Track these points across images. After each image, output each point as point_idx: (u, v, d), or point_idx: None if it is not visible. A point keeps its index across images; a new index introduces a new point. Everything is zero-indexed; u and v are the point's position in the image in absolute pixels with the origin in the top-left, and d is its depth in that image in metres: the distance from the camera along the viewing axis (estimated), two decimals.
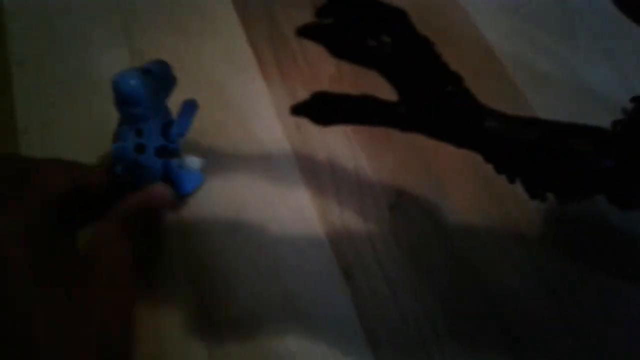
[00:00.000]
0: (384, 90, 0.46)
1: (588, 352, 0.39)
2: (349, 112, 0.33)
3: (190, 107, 0.41)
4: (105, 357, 0.31)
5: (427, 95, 0.31)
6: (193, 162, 0.43)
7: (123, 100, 0.37)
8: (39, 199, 0.31)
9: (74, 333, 0.30)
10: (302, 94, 0.50)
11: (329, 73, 0.51)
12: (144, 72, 0.37)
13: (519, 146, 0.30)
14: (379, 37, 0.30)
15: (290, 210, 0.44)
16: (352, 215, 0.44)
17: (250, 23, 0.54)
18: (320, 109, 0.33)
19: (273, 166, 0.46)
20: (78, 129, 0.47)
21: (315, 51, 0.52)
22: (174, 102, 0.41)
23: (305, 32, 0.31)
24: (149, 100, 0.37)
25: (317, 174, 0.46)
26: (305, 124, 0.48)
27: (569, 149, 0.30)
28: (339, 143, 0.47)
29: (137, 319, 0.39)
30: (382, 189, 0.45)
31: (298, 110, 0.34)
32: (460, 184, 0.46)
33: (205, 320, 0.39)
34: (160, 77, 0.38)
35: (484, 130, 0.31)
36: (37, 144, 0.46)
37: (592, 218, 0.44)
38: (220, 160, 0.46)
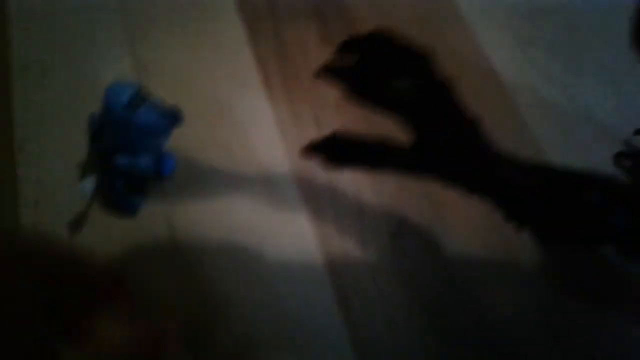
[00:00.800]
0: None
1: None
2: (362, 157, 0.33)
3: (143, 163, 0.40)
4: None
5: (443, 139, 0.30)
6: (86, 183, 0.42)
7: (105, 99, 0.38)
8: None
9: None
10: (307, 116, 0.49)
11: (334, 94, 0.50)
12: (138, 100, 0.37)
13: (531, 194, 0.30)
14: (400, 78, 0.29)
15: (289, 236, 0.43)
16: (352, 242, 0.43)
17: (258, 39, 0.53)
18: (336, 150, 0.33)
19: (273, 188, 0.45)
20: (75, 139, 0.46)
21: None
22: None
23: (324, 73, 0.31)
24: (112, 115, 0.38)
25: (317, 197, 0.45)
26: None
27: (580, 200, 0.30)
28: None
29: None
30: (383, 215, 0.44)
31: (312, 149, 0.34)
32: (460, 211, 0.45)
33: (195, 344, 0.39)
34: (136, 117, 0.38)
35: (496, 177, 0.30)
36: (35, 154, 0.45)
37: (590, 252, 0.44)
38: (220, 180, 0.45)
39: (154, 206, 0.43)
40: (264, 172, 0.46)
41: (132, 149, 0.39)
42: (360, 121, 0.48)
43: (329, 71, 0.31)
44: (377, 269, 0.42)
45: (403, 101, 0.30)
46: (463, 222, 0.45)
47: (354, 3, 0.56)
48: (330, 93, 0.50)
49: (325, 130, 0.48)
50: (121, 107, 0.37)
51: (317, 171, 0.46)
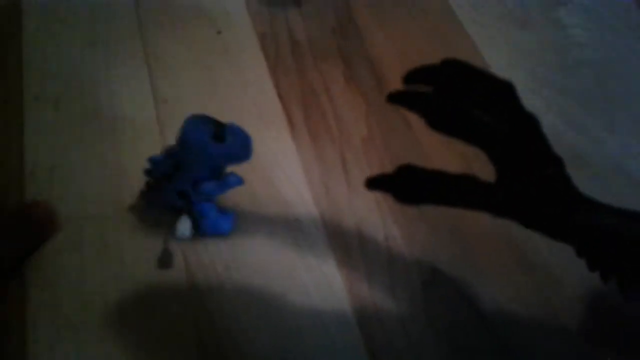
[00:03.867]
0: (413, 155, 0.43)
1: None
2: (440, 192, 0.31)
3: (233, 182, 0.40)
4: None
5: (525, 177, 0.28)
6: (183, 225, 0.41)
7: (180, 138, 0.38)
8: None
9: None
10: (331, 154, 0.47)
11: (360, 133, 0.49)
12: (216, 133, 0.36)
13: (623, 241, 0.28)
14: (482, 110, 0.28)
15: (316, 281, 0.41)
16: (382, 289, 0.41)
17: (281, 76, 0.51)
18: (407, 185, 0.31)
19: (299, 231, 0.43)
20: (87, 171, 0.44)
21: (345, 108, 0.50)
22: None
23: (398, 99, 0.29)
24: (201, 153, 0.37)
25: (345, 242, 0.43)
26: (334, 186, 0.45)
27: None
28: (369, 208, 0.44)
29: None
30: (415, 262, 0.42)
31: (377, 184, 0.32)
32: (494, 258, 0.43)
33: None
34: (229, 147, 0.37)
35: (582, 222, 0.28)
36: (44, 186, 0.43)
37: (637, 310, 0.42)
38: (244, 221, 0.43)
39: (169, 243, 0.41)
40: (289, 214, 0.44)
41: (214, 176, 0.39)
42: (386, 161, 0.47)
43: (404, 98, 0.29)
44: (408, 318, 0.40)
45: (486, 133, 0.28)
46: (497, 269, 0.42)
47: (375, 43, 0.55)
48: (356, 133, 0.49)
49: (352, 171, 0.46)
50: (208, 141, 0.36)
51: (344, 214, 0.44)
